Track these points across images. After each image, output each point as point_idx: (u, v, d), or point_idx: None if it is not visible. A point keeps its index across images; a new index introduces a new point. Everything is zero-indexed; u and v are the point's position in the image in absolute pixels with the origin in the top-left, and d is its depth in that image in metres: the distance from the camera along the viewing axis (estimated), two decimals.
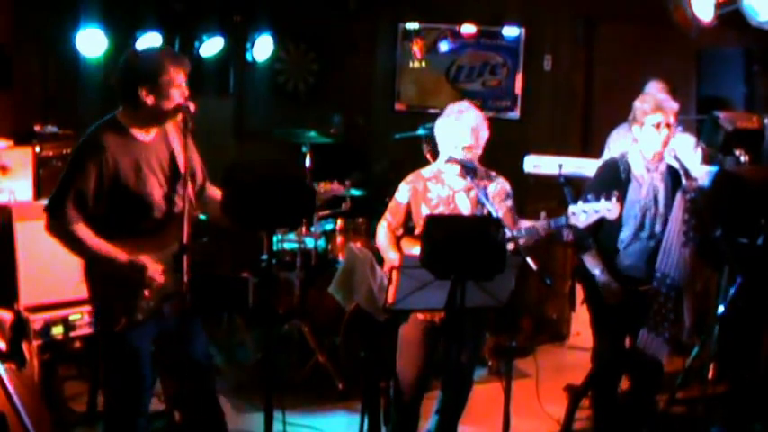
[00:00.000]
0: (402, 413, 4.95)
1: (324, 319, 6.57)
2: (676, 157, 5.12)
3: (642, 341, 5.11)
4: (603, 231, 5.07)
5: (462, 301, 4.16)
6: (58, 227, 4.13)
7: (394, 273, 4.37)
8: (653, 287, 5.06)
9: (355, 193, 7.06)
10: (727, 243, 5.27)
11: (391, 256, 4.84)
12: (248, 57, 7.94)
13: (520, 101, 8.63)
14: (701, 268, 5.40)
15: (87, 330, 5.18)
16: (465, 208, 4.88)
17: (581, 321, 7.26)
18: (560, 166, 6.04)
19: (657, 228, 5.07)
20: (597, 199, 4.63)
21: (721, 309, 5.46)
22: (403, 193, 4.98)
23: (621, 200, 4.72)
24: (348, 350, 6.30)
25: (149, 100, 4.15)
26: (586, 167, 6.26)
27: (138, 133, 4.24)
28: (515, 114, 8.66)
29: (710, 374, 5.99)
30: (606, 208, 4.58)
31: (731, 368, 5.91)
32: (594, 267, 5.12)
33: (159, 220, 4.28)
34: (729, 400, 5.73)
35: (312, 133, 6.98)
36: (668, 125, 5.01)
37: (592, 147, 8.04)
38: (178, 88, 4.21)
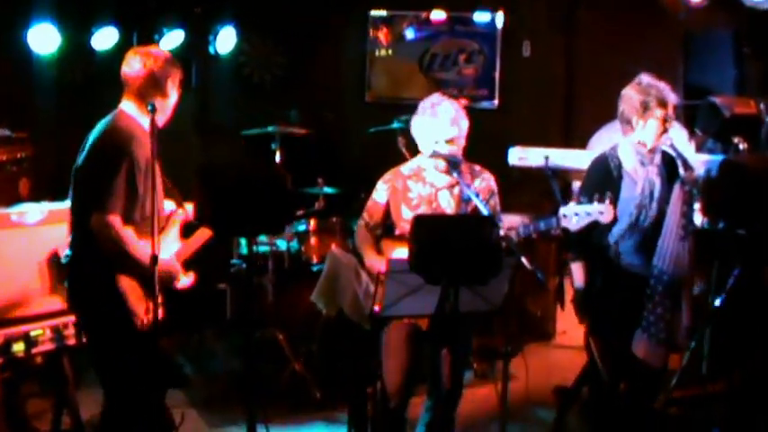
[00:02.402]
0: (388, 420, 4.89)
1: (298, 325, 6.52)
2: (673, 146, 5.04)
3: (636, 345, 5.03)
4: (596, 229, 4.98)
5: (456, 306, 4.08)
6: (111, 227, 4.20)
7: (380, 278, 4.29)
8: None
9: (329, 191, 7.00)
10: (729, 236, 5.25)
11: (372, 259, 4.79)
12: (211, 50, 7.88)
13: (498, 89, 8.57)
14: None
15: (50, 346, 5.10)
16: (449, 206, 4.83)
17: (568, 319, 7.19)
18: (546, 158, 5.99)
19: (646, 222, 5.00)
20: (590, 201, 4.60)
21: (717, 303, 5.52)
22: (381, 192, 4.94)
23: (614, 202, 4.69)
24: (325, 358, 6.34)
25: (174, 93, 4.48)
26: (574, 159, 6.27)
27: (145, 128, 4.39)
28: (494, 104, 8.62)
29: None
30: (599, 211, 4.53)
31: (727, 364, 5.92)
32: (578, 280, 5.09)
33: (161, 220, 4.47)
34: (729, 397, 5.72)
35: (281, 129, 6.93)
36: (671, 118, 4.95)
37: (574, 135, 8.03)
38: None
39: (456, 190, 4.82)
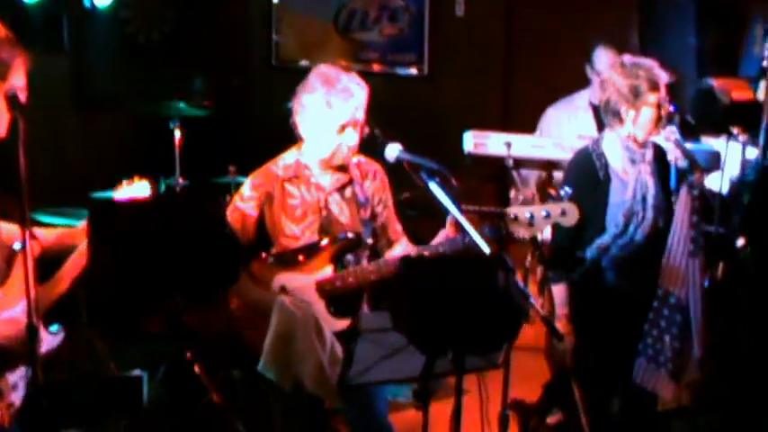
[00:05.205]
0: None
1: (215, 344, 5.71)
2: (677, 141, 4.60)
3: (639, 374, 4.65)
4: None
5: (460, 379, 3.35)
6: None
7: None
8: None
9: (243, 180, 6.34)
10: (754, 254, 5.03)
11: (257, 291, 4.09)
12: (85, 1, 7.23)
13: (427, 54, 7.98)
14: None
15: None
16: (342, 214, 4.20)
17: None
18: (509, 146, 5.49)
19: (639, 235, 4.61)
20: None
21: None
22: (249, 203, 4.20)
23: (603, 209, 4.45)
24: (251, 386, 5.41)
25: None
26: (542, 148, 5.77)
27: None
28: (422, 70, 8.02)
29: None
30: (560, 210, 3.93)
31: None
32: (561, 307, 4.66)
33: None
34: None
35: (181, 104, 6.29)
36: (665, 101, 4.56)
37: (514, 108, 7.69)
38: None
39: (348, 191, 4.21)
